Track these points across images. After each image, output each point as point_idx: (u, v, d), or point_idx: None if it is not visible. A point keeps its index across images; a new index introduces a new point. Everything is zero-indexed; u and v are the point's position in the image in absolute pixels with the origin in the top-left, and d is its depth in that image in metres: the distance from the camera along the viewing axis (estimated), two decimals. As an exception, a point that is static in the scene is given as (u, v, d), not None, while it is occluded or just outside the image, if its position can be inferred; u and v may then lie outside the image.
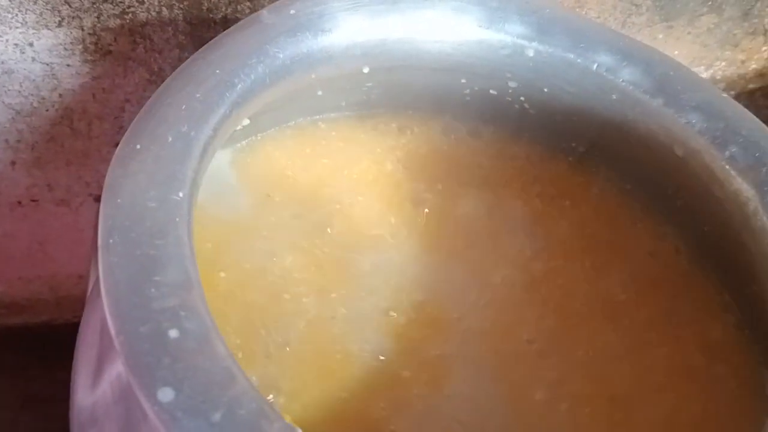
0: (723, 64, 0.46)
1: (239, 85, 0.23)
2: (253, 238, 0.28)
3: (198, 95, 0.22)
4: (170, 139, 0.20)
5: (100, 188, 0.43)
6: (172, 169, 0.20)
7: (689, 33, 0.43)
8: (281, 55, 0.24)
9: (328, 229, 0.29)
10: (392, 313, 0.27)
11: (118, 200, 0.19)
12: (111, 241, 0.18)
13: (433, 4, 0.27)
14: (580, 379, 0.27)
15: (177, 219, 0.19)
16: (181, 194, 0.20)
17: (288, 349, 0.25)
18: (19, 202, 0.44)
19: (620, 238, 0.31)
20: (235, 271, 0.27)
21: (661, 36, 0.43)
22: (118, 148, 0.20)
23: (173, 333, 0.17)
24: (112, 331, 0.17)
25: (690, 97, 0.26)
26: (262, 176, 0.30)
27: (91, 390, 0.24)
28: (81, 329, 0.26)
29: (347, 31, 0.26)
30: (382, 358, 0.26)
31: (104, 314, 0.23)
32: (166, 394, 0.16)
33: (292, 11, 0.25)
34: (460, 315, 0.28)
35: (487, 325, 0.28)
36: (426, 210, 0.31)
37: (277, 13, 0.25)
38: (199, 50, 0.24)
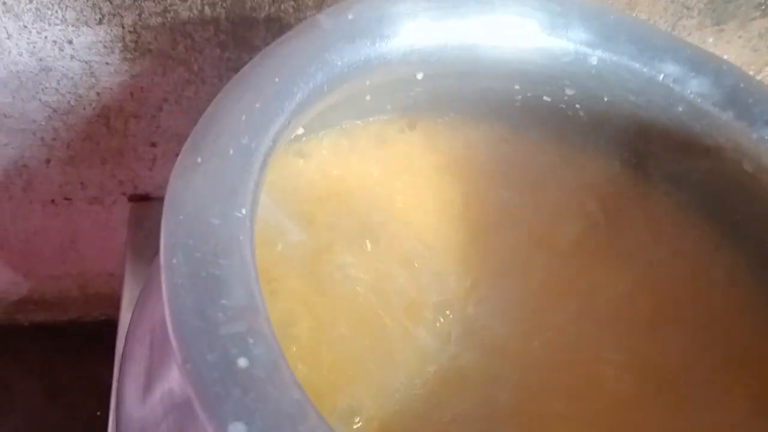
0: (772, 70, 0.45)
1: (298, 94, 0.22)
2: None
3: (257, 105, 0.21)
4: (231, 152, 0.20)
5: (134, 187, 0.43)
6: (234, 183, 0.19)
7: (740, 37, 0.42)
8: (339, 63, 0.23)
9: (372, 233, 0.29)
10: (447, 312, 0.27)
11: (180, 217, 0.18)
12: (174, 261, 0.17)
13: (494, 8, 0.26)
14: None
15: (241, 237, 0.18)
16: (243, 211, 0.19)
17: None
18: (53, 200, 0.43)
19: (671, 253, 0.30)
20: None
21: (711, 39, 0.41)
22: (177, 161, 0.19)
23: (242, 361, 0.16)
24: (179, 359, 0.16)
25: (763, 110, 0.25)
26: (304, 181, 0.29)
27: (141, 403, 0.23)
28: (128, 339, 0.26)
29: (406, 38, 0.25)
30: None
31: (155, 327, 0.22)
32: (237, 430, 0.15)
33: (350, 16, 0.24)
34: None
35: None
36: (470, 215, 0.30)
37: (335, 18, 0.24)
38: (256, 57, 0.23)
